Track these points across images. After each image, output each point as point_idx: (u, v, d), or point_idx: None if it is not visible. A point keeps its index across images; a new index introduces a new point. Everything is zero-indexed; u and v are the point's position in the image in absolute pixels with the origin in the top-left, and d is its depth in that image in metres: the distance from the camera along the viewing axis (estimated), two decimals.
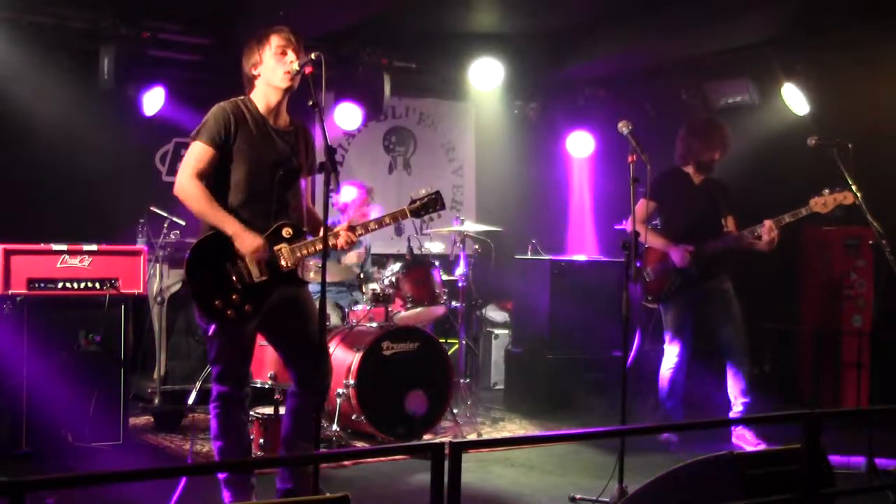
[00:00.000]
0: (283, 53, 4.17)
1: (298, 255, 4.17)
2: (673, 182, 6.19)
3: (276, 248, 4.15)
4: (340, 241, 4.27)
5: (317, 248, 4.14)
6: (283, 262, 4.15)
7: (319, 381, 4.24)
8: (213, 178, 4.13)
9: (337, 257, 6.70)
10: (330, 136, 4.00)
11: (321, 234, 4.02)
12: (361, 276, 6.72)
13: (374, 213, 6.60)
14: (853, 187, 5.46)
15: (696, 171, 6.21)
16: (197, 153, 4.12)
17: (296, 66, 4.12)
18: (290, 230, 4.19)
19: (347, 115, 7.96)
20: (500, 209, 8.83)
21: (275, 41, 4.19)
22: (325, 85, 3.88)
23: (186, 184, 4.09)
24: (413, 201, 4.46)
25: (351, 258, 6.76)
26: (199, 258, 4.11)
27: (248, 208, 4.14)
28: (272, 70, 4.18)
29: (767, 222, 5.77)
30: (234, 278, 4.09)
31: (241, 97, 4.25)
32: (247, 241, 4.08)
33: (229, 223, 4.08)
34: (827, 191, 5.61)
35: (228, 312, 4.07)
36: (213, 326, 4.14)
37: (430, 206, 4.45)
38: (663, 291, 6.14)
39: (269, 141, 4.19)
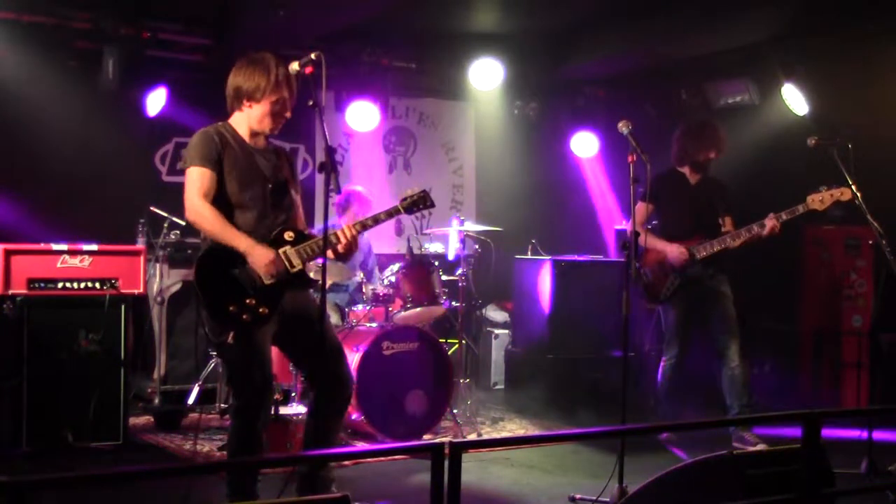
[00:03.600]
0: (283, 109, 4.21)
1: (304, 254, 4.18)
2: (669, 183, 6.21)
3: (280, 251, 4.16)
4: (342, 243, 4.27)
5: (320, 245, 4.15)
6: (290, 265, 4.15)
7: (340, 386, 4.28)
8: (213, 199, 4.15)
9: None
10: (335, 136, 4.02)
11: (321, 236, 4.04)
12: (362, 276, 6.71)
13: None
14: (853, 187, 5.47)
15: (692, 172, 6.23)
16: (196, 177, 4.12)
17: (295, 67, 4.13)
18: (292, 233, 4.21)
19: (362, 115, 7.89)
20: (500, 209, 8.82)
21: (283, 93, 4.18)
22: (325, 85, 3.89)
23: (198, 206, 4.10)
24: (404, 199, 4.53)
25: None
26: (207, 267, 4.11)
27: (245, 223, 4.16)
28: (262, 118, 4.21)
29: (771, 220, 5.79)
30: (245, 283, 4.09)
31: (220, 123, 4.27)
32: (260, 257, 4.08)
33: (240, 240, 4.09)
34: (824, 187, 5.65)
35: (244, 317, 4.06)
36: (230, 334, 4.10)
37: (420, 202, 4.52)
38: (662, 292, 6.14)
39: (252, 159, 4.24)
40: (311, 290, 4.44)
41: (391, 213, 4.46)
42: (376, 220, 4.43)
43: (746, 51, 7.51)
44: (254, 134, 4.28)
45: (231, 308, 4.05)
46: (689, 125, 6.31)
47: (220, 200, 4.15)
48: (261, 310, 4.10)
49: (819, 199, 5.67)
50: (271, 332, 4.22)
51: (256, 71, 4.19)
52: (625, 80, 8.64)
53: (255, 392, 4.14)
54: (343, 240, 4.27)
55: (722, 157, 6.24)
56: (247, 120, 4.26)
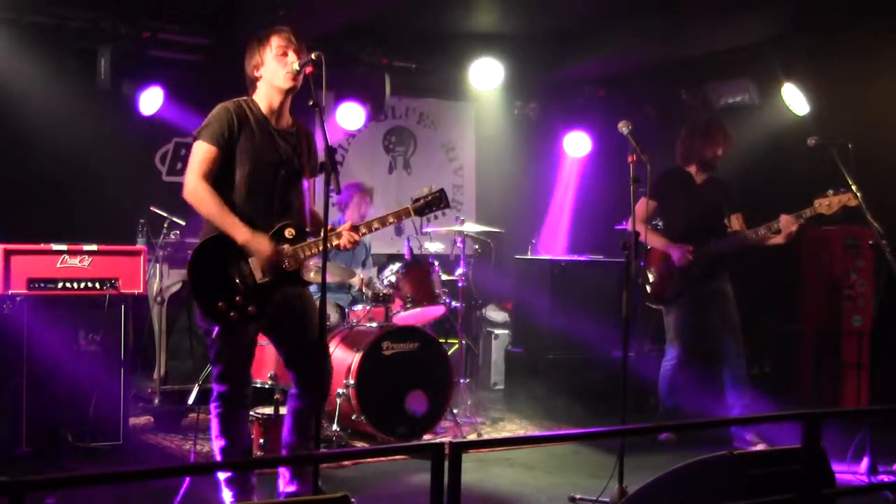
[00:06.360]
0: (284, 54, 4.17)
1: (301, 255, 4.17)
2: (675, 181, 6.19)
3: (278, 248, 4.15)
4: (343, 241, 4.26)
5: (319, 248, 4.13)
6: (285, 263, 4.15)
7: (319, 382, 4.25)
8: (218, 177, 4.13)
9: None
10: (331, 136, 4.00)
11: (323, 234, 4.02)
12: (362, 279, 6.70)
13: (372, 212, 6.59)
14: (853, 188, 5.45)
15: (699, 170, 6.20)
16: (201, 153, 4.11)
17: (296, 66, 4.12)
18: (293, 230, 4.18)
19: (349, 115, 7.95)
20: (500, 209, 8.83)
21: (275, 42, 4.19)
22: (326, 85, 3.88)
23: (196, 186, 4.08)
24: (416, 200, 4.42)
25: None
26: (201, 260, 4.11)
27: (250, 208, 4.14)
28: (273, 71, 4.18)
29: (785, 216, 5.74)
30: (237, 280, 4.09)
31: (244, 98, 4.25)
32: (260, 250, 4.08)
33: (238, 230, 4.07)
34: (831, 192, 5.58)
35: (231, 314, 4.07)
36: (216, 328, 4.13)
37: (434, 204, 4.41)
38: (668, 293, 6.13)
39: (270, 141, 4.19)
40: (308, 287, 4.43)
41: (400, 216, 4.39)
42: (383, 223, 4.37)
43: (746, 51, 7.51)
44: (275, 112, 4.23)
45: (220, 304, 4.06)
46: (695, 124, 6.30)
47: (227, 181, 4.13)
48: (249, 308, 4.10)
49: (826, 204, 5.59)
50: (257, 328, 4.23)
51: (252, 43, 4.26)
52: (625, 80, 8.64)
53: (235, 382, 4.19)
54: (344, 241, 4.25)
55: (726, 153, 6.23)
56: (266, 90, 4.22)
